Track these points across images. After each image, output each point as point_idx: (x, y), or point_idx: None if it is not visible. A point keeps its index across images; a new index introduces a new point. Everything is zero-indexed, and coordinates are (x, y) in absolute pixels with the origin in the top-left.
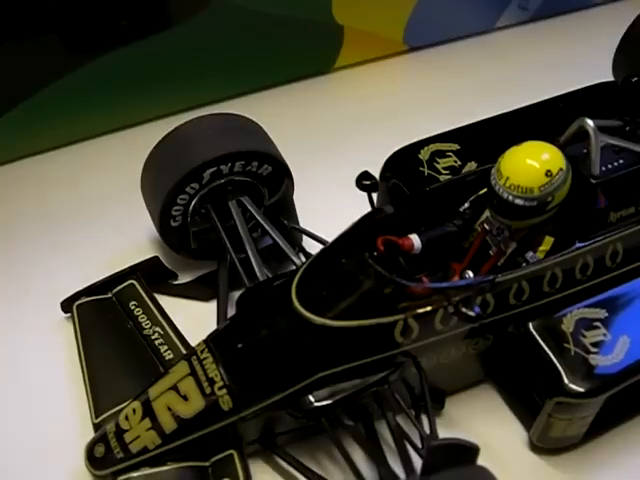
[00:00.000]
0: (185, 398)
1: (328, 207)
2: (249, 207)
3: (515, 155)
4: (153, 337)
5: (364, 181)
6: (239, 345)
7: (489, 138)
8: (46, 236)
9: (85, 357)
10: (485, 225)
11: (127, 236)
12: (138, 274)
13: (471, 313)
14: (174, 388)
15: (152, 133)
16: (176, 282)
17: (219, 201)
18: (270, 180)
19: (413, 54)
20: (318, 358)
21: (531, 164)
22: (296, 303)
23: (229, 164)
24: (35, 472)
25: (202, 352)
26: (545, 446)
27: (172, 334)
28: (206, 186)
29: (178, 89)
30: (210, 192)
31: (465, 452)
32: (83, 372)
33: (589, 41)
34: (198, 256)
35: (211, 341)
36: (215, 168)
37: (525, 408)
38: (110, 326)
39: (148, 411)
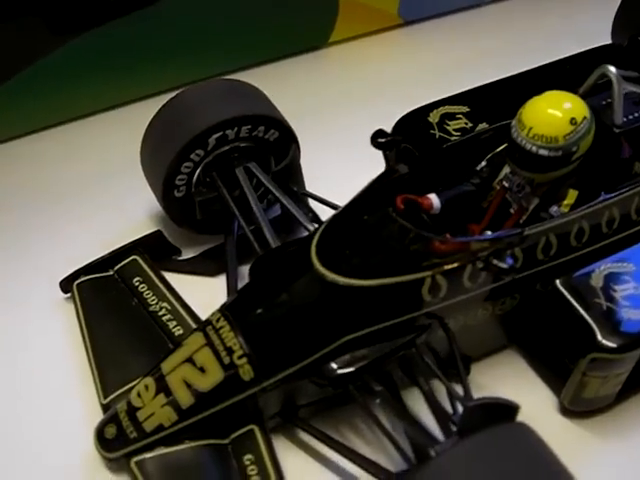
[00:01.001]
0: (202, 370)
1: (334, 178)
2: (257, 173)
3: (537, 105)
4: (160, 313)
5: (379, 139)
6: (258, 311)
7: (498, 100)
8: (43, 215)
9: (89, 337)
10: (504, 183)
11: (126, 214)
12: (140, 249)
13: (503, 265)
14: (189, 360)
15: (145, 111)
16: (180, 258)
17: (225, 169)
18: (276, 146)
19: (408, 28)
20: (343, 321)
21: (555, 113)
22: (317, 264)
23: (235, 129)
24: (41, 458)
25: (218, 321)
26: (577, 409)
27: (181, 309)
28: (211, 153)
29: (169, 66)
30: (215, 159)
31: (504, 411)
32: (87, 352)
33: (586, 9)
34: (202, 230)
35: (227, 309)
36: (221, 133)
37: (554, 372)
38: (113, 304)
39: (162, 386)
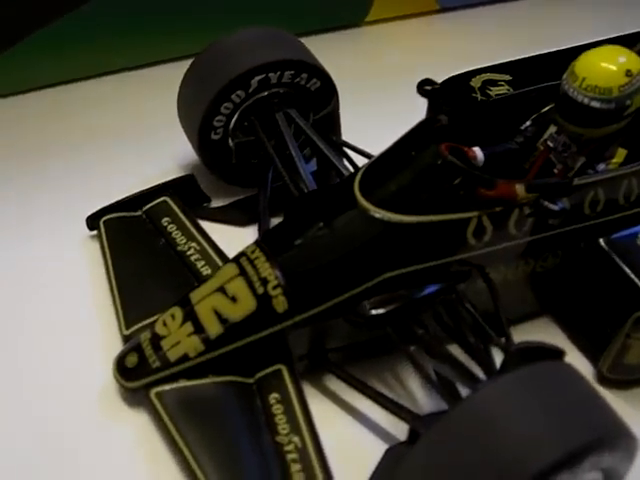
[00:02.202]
0: (234, 300)
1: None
2: (297, 120)
3: (591, 56)
4: (189, 253)
5: (426, 86)
6: (296, 243)
7: (542, 71)
8: (77, 158)
9: (113, 272)
10: (549, 142)
11: (158, 164)
12: (171, 192)
13: (554, 207)
14: (221, 290)
15: (177, 72)
16: (210, 206)
17: (264, 115)
18: (317, 97)
19: (444, 14)
20: (384, 257)
21: (610, 64)
22: (360, 198)
23: (278, 73)
24: (58, 392)
25: (253, 252)
26: (616, 377)
27: (210, 250)
28: (252, 96)
29: (207, 29)
30: (255, 104)
31: (548, 356)
32: (111, 287)
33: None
34: (233, 179)
35: (262, 241)
36: (263, 75)
37: (593, 339)
38: (140, 242)
39: (190, 315)
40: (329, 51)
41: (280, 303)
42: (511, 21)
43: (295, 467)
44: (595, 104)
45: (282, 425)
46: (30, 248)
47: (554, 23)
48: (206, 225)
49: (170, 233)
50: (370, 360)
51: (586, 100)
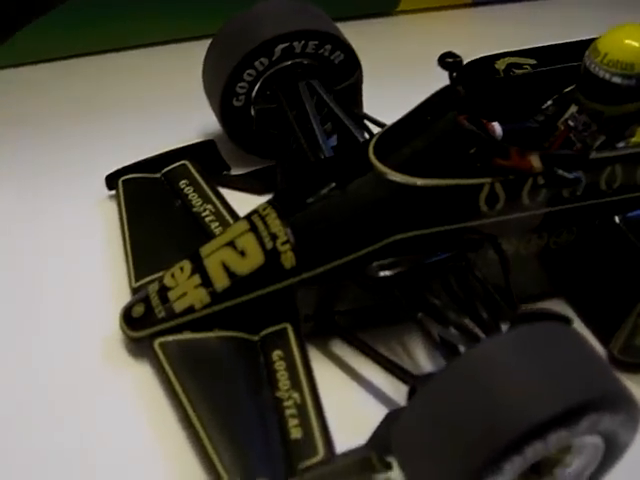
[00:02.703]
0: (242, 254)
1: None
2: (319, 90)
3: (615, 32)
4: (204, 214)
5: (447, 59)
6: (307, 201)
7: (567, 58)
8: (98, 124)
9: (128, 228)
10: (569, 122)
11: (180, 133)
12: (191, 156)
13: (568, 175)
14: (230, 244)
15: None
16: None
17: (286, 85)
18: (339, 70)
19: (476, 9)
20: (395, 219)
21: (633, 40)
22: (374, 159)
23: (302, 42)
24: (62, 342)
25: (264, 210)
26: (627, 359)
27: (225, 212)
28: (275, 64)
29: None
30: (278, 73)
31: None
32: (125, 241)
33: None
34: (253, 148)
35: (275, 200)
36: (288, 44)
37: (604, 320)
38: (156, 203)
39: (199, 268)
40: (358, 35)
41: (288, 259)
42: (541, 20)
43: (293, 422)
44: (616, 80)
45: (283, 381)
46: (50, 205)
47: (584, 22)
48: (224, 192)
49: (187, 195)
50: (377, 328)
51: (607, 76)
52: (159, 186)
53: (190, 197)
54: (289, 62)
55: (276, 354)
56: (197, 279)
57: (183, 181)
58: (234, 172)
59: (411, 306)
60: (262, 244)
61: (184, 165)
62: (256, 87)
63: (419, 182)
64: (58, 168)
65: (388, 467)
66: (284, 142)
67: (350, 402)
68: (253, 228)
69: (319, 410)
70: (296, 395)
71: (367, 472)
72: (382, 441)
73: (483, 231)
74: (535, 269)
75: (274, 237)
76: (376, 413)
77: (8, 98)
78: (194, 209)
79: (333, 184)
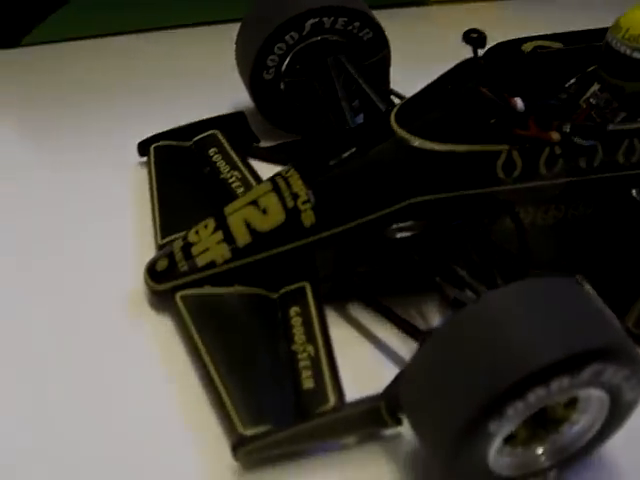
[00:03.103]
0: (264, 212)
1: None
2: (348, 66)
3: (637, 9)
4: (231, 180)
5: (472, 34)
6: (329, 163)
7: (593, 44)
8: (129, 98)
9: (157, 191)
10: (591, 100)
11: (212, 109)
12: (221, 126)
13: (585, 142)
14: (253, 203)
15: None
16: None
17: (316, 60)
18: (367, 48)
19: (511, 2)
20: (412, 183)
21: None
22: (394, 124)
23: (332, 18)
24: (87, 294)
25: (287, 172)
26: None
27: (251, 179)
28: (305, 39)
29: None
30: (308, 48)
31: None
32: (153, 203)
33: None
34: (280, 123)
35: (298, 163)
36: (318, 19)
37: (619, 293)
38: (186, 168)
39: (222, 225)
40: (390, 20)
41: (308, 217)
42: (574, 16)
43: (306, 373)
44: (637, 55)
45: (299, 335)
46: (85, 170)
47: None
48: (252, 163)
49: (215, 162)
50: (394, 294)
51: (628, 51)
52: (189, 153)
53: (218, 164)
54: (318, 37)
55: (293, 310)
56: (220, 235)
57: (212, 149)
58: (263, 145)
59: (428, 270)
60: (283, 203)
61: (214, 134)
62: (286, 61)
63: (436, 147)
64: (94, 136)
65: (398, 422)
66: (311, 117)
67: (364, 361)
68: (276, 188)
69: (332, 362)
70: (310, 348)
71: (376, 423)
72: (392, 397)
73: (500, 199)
74: (551, 241)
75: (295, 196)
76: (390, 373)
77: (50, 71)
78: (221, 175)
79: (354, 149)
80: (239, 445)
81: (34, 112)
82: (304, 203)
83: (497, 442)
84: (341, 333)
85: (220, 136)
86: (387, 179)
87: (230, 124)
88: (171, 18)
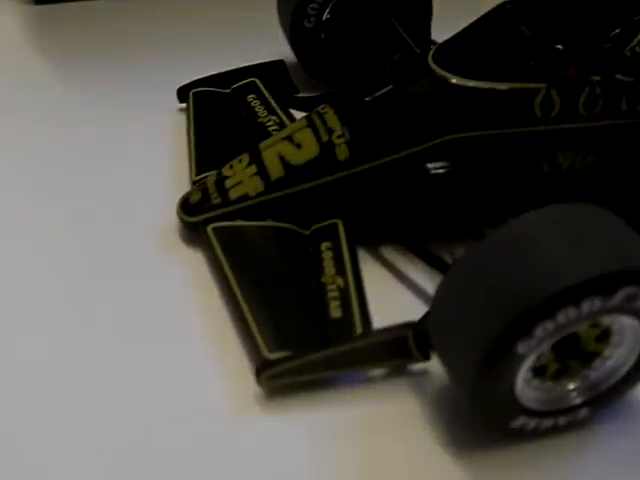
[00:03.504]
0: (298, 146)
1: None
2: (389, 18)
3: None
4: (268, 124)
5: (507, 5)
6: (365, 99)
7: None
8: (171, 47)
9: (194, 131)
10: (636, 48)
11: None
12: (261, 75)
13: (627, 78)
14: (288, 138)
15: None
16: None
17: (357, 10)
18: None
19: None
20: (449, 120)
21: None
22: (432, 64)
23: None
24: (125, 225)
25: (323, 108)
26: None
27: (289, 123)
28: None
29: None
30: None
31: None
32: (189, 142)
33: None
34: (318, 74)
35: (333, 100)
36: None
37: None
38: (224, 112)
39: (256, 159)
40: None
41: (342, 151)
42: None
43: (334, 303)
44: None
45: (329, 268)
46: (125, 114)
47: None
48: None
49: (253, 107)
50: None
51: None
52: (227, 99)
53: (257, 109)
54: None
55: (324, 245)
56: (253, 169)
57: (251, 95)
58: (302, 95)
59: (461, 213)
60: (318, 137)
61: (253, 82)
62: (327, 10)
63: (474, 84)
64: (137, 85)
65: (426, 356)
66: (351, 68)
67: (395, 299)
68: (311, 124)
69: (361, 294)
70: (340, 280)
71: (403, 355)
72: (420, 328)
73: (538, 140)
74: (588, 186)
75: (330, 131)
76: (420, 311)
77: (96, 24)
78: (259, 119)
79: (390, 86)
80: (263, 369)
81: (83, 62)
82: (339, 137)
83: (525, 368)
84: (373, 272)
85: (259, 84)
86: (424, 116)
87: (270, 72)
88: None
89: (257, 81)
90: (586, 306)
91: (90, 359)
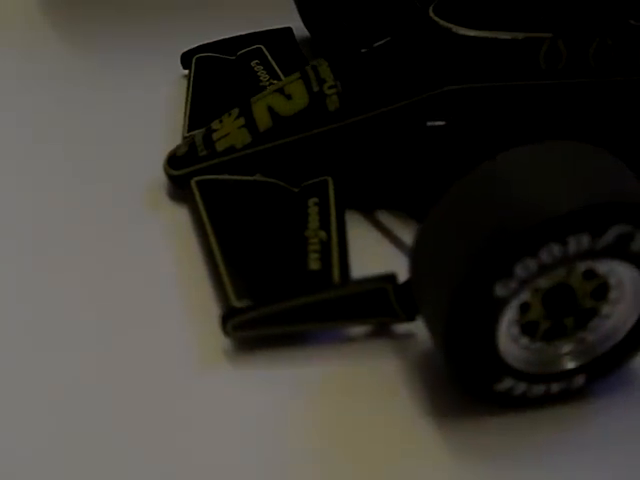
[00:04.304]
0: (289, 97)
1: None
2: None
3: None
4: (268, 85)
5: None
6: (361, 51)
7: None
8: (176, 14)
9: (192, 93)
10: None
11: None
12: (267, 42)
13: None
14: (279, 90)
15: None
16: None
17: None
18: None
19: None
20: (447, 70)
21: None
22: (432, 14)
23: None
24: (111, 181)
25: (317, 61)
26: None
27: None
28: None
29: None
30: None
31: None
32: (186, 102)
33: None
34: (325, 42)
35: (329, 53)
36: None
37: None
38: (225, 76)
39: (245, 111)
40: None
41: (333, 102)
42: None
43: (314, 256)
44: None
45: (313, 222)
46: (127, 79)
47: None
48: None
49: (256, 72)
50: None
51: None
52: (231, 65)
53: (259, 74)
54: None
55: (312, 200)
56: (241, 121)
57: (255, 61)
58: None
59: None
60: (309, 87)
61: (259, 48)
62: None
63: (472, 33)
64: (140, 48)
65: (409, 316)
66: (357, 36)
67: (382, 260)
68: (304, 76)
69: (343, 248)
70: (323, 234)
71: (383, 313)
72: (403, 283)
73: (545, 96)
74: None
75: (322, 82)
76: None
77: None
78: (261, 84)
79: (388, 38)
80: (228, 316)
81: (84, 28)
82: (330, 88)
83: (509, 318)
84: (364, 233)
85: (265, 50)
86: (419, 65)
87: (277, 39)
88: None
89: (263, 48)
90: (572, 244)
91: (57, 304)
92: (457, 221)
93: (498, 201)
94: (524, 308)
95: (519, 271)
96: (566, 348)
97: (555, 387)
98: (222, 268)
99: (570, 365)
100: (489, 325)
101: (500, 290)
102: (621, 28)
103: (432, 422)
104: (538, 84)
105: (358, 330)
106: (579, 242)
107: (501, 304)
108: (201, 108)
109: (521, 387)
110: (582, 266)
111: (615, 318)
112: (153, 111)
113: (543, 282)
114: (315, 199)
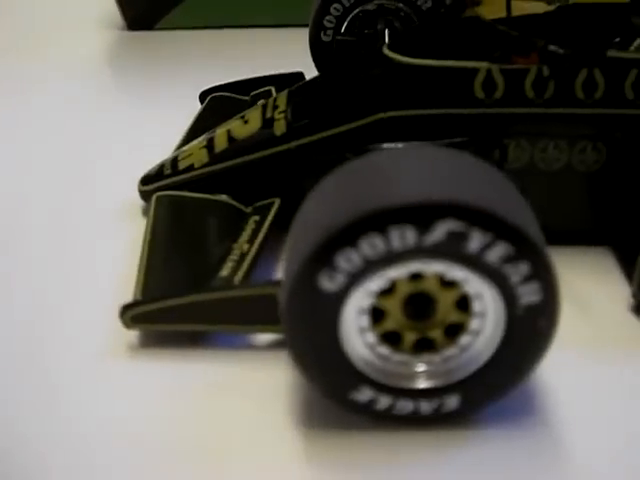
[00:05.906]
0: (246, 122)
1: None
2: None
3: None
4: None
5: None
6: (314, 81)
7: None
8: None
9: (192, 123)
10: None
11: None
12: (279, 84)
13: (560, 50)
14: (241, 117)
15: None
16: None
17: (369, 21)
18: (425, 17)
19: None
20: (382, 97)
21: None
22: (386, 50)
23: None
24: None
25: (280, 93)
26: None
27: None
28: (360, 3)
29: None
30: (365, 13)
31: None
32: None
33: None
34: None
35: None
36: None
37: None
38: (229, 112)
39: (209, 136)
40: None
41: (280, 126)
42: None
43: (229, 264)
44: None
45: (244, 237)
46: (153, 110)
47: None
48: None
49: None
50: None
51: None
52: (238, 103)
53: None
54: (375, 3)
55: (253, 219)
56: (203, 143)
57: (262, 100)
58: None
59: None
60: (264, 113)
61: (269, 90)
62: (344, 25)
63: (411, 61)
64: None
65: None
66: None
67: None
68: (264, 105)
69: (255, 260)
70: (246, 247)
71: (276, 320)
72: None
73: (487, 125)
74: (561, 192)
75: (275, 107)
76: None
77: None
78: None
79: (342, 72)
80: (126, 308)
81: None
82: (280, 113)
83: (359, 323)
84: None
85: (274, 92)
86: (360, 92)
87: (287, 82)
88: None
89: (272, 89)
90: (396, 237)
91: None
92: (305, 220)
93: (332, 197)
94: (377, 315)
95: (342, 262)
96: (431, 364)
97: (425, 407)
98: (141, 268)
99: (436, 383)
100: (329, 325)
101: (326, 283)
102: (555, 58)
103: (304, 433)
104: (474, 114)
105: (263, 338)
106: (403, 235)
107: (333, 300)
108: (195, 135)
109: (384, 401)
110: (417, 266)
111: (483, 337)
112: (167, 138)
113: (374, 285)
114: (256, 217)
